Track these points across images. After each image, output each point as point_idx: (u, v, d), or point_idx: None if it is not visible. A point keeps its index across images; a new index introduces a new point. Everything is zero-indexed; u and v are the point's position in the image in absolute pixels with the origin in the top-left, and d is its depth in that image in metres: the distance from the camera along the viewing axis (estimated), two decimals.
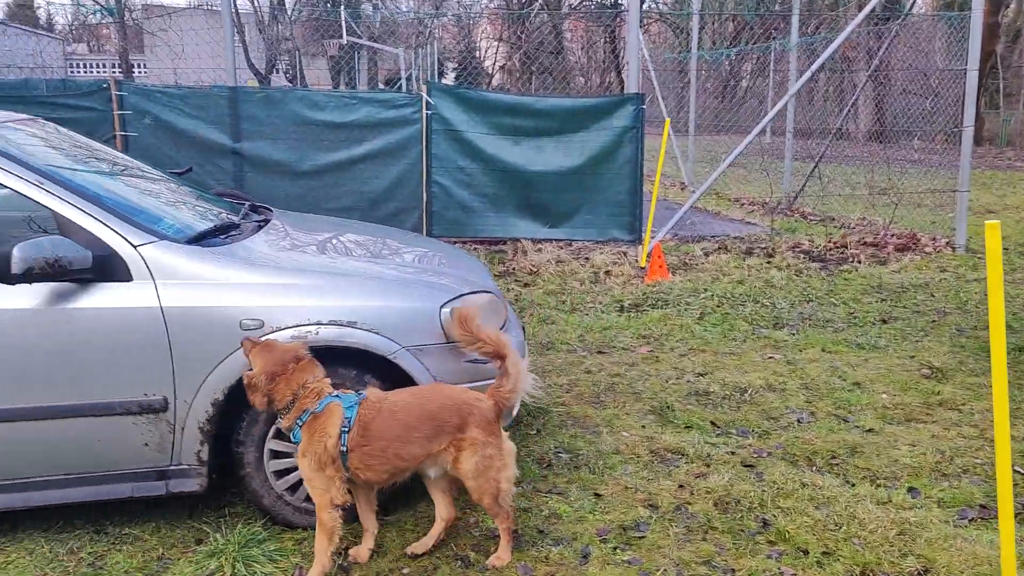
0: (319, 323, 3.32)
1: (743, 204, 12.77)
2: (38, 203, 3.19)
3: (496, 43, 41.64)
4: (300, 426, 3.07)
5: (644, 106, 8.35)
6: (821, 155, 11.18)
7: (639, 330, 6.22)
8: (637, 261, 8.28)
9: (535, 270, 7.92)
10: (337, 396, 3.11)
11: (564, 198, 8.45)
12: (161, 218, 3.53)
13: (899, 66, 12.38)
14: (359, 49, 30.73)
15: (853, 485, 3.80)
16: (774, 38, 17.05)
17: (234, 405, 3.33)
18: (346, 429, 3.04)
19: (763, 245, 9.05)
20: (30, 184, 3.20)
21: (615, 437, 4.33)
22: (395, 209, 8.13)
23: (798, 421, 4.56)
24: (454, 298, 3.57)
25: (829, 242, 9.20)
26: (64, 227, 3.18)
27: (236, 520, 3.49)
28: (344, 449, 3.03)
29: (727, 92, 25.13)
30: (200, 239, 3.52)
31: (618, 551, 3.31)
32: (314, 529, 3.29)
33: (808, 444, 4.24)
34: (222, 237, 3.67)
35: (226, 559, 3.18)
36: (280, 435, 3.38)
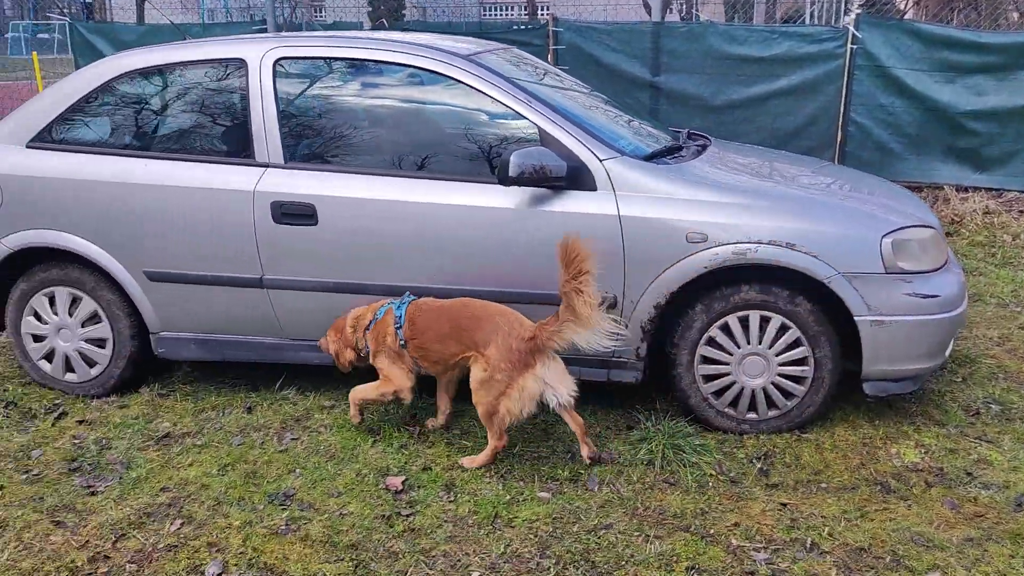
0: (759, 242, 3.50)
1: None
2: (524, 118, 3.73)
3: None
4: (366, 333, 3.62)
5: None
6: None
7: None
8: None
9: (958, 219, 7.32)
10: (391, 303, 3.60)
11: (1000, 143, 7.66)
12: (621, 136, 3.93)
13: None
14: None
15: None
16: None
17: (673, 310, 3.67)
18: (399, 326, 3.53)
19: None
20: (520, 102, 3.75)
21: None
22: (805, 148, 7.96)
23: None
24: (896, 229, 3.54)
25: None
26: (544, 140, 3.69)
27: (661, 414, 3.85)
28: (403, 342, 3.53)
29: None
30: (651, 158, 3.86)
31: None
32: (728, 432, 3.70)
33: None
34: (669, 158, 3.98)
35: (656, 444, 3.56)
36: (712, 343, 3.67)
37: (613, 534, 3.01)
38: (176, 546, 2.97)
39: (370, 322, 3.63)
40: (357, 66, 3.99)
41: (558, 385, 3.37)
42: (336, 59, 3.96)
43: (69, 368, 4.21)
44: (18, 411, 4.04)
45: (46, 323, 4.16)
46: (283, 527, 3.07)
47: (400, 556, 2.92)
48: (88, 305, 4.10)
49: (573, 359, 3.79)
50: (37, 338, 4.20)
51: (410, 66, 3.87)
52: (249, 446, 3.68)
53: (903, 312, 3.50)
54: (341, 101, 4.00)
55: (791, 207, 3.62)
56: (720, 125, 8.07)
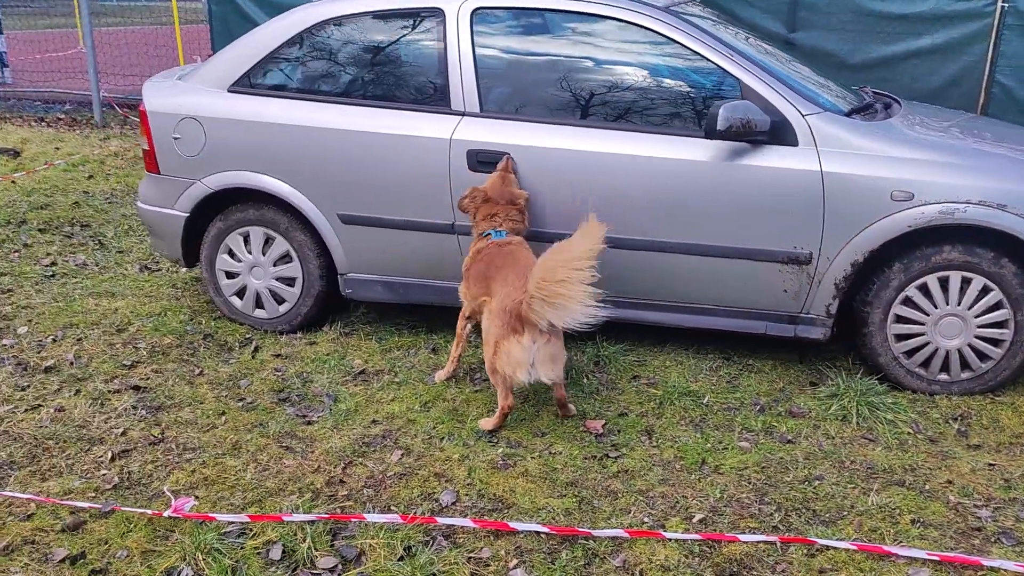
0: (968, 202, 3.46)
1: None
2: (725, 71, 3.73)
3: None
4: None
5: None
6: None
7: None
8: None
9: None
10: (491, 232, 3.65)
11: None
12: (819, 93, 3.90)
13: None
14: None
15: None
16: None
17: (869, 268, 3.66)
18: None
19: None
20: (720, 55, 3.75)
21: None
22: None
23: None
24: None
25: None
26: (746, 94, 3.68)
27: (847, 372, 3.87)
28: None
29: None
30: (850, 114, 3.83)
31: None
32: (916, 391, 3.75)
33: None
34: (865, 115, 3.94)
35: (849, 401, 3.59)
36: (908, 303, 3.66)
37: (827, 485, 3.06)
38: (404, 475, 3.13)
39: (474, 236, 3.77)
40: (553, 16, 4.01)
41: (539, 364, 3.26)
42: (533, 9, 4.00)
43: (259, 304, 4.41)
44: (215, 343, 4.26)
45: (240, 261, 4.35)
46: (501, 462, 3.21)
47: (619, 495, 3.02)
48: (281, 245, 4.27)
49: (758, 313, 3.84)
50: (230, 275, 4.40)
51: (608, 17, 3.88)
52: (445, 385, 3.82)
53: None
54: (536, 51, 4.04)
55: (1002, 167, 3.57)
56: (855, 84, 7.86)
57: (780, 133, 3.62)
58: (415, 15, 4.07)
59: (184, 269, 5.11)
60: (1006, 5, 7.40)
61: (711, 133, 3.55)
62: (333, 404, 3.65)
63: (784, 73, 3.87)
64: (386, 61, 4.14)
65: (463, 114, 3.94)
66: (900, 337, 3.71)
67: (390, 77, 4.12)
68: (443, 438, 3.38)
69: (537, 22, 4.03)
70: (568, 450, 3.30)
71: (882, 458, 3.24)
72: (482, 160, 3.87)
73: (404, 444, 3.34)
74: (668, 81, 3.89)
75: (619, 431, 3.45)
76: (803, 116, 3.63)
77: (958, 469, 3.17)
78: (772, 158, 3.64)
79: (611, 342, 4.15)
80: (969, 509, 2.92)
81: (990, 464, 3.20)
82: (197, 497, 2.99)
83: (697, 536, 2.77)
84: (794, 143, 3.62)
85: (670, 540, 2.76)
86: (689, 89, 3.84)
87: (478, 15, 3.96)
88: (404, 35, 4.10)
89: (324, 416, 3.55)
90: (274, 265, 4.31)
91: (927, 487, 3.05)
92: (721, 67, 3.73)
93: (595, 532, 2.79)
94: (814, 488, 3.04)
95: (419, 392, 3.75)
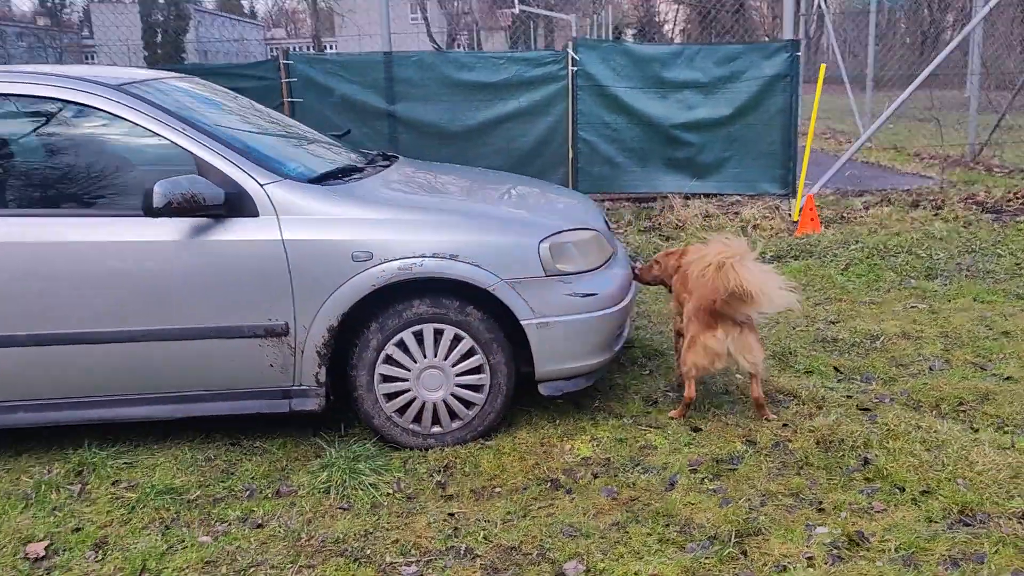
0: (423, 256, 3.52)
1: (923, 158, 11.91)
2: (180, 147, 3.57)
3: (676, 6, 40.63)
4: None
5: (799, 53, 8.00)
6: (1010, 103, 10.22)
7: None
8: (790, 215, 7.99)
9: (680, 224, 7.83)
10: None
11: (711, 151, 8.27)
12: (286, 161, 3.85)
13: None
14: (534, 19, 30.84)
15: (976, 430, 3.59)
16: None
17: (348, 332, 3.62)
18: None
19: (932, 197, 8.45)
20: (174, 130, 3.59)
21: (727, 379, 4.29)
22: (541, 166, 8.23)
23: (930, 368, 4.33)
24: (553, 234, 3.68)
25: (1009, 192, 8.44)
26: (201, 168, 3.55)
27: (351, 439, 3.78)
28: None
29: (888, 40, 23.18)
30: (321, 180, 3.81)
31: (706, 481, 3.32)
32: (415, 448, 3.70)
33: (936, 390, 4.02)
34: (341, 179, 3.95)
35: (336, 470, 3.48)
36: (389, 360, 3.64)
37: (264, 570, 2.88)
38: None
39: None
40: None
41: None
42: None
43: None
44: None
45: None
46: None
47: None
48: None
49: (252, 392, 3.67)
50: None
51: (50, 98, 3.61)
52: None
53: (565, 312, 3.63)
54: None
55: (453, 220, 3.68)
56: (460, 151, 8.17)
57: (238, 205, 3.51)
58: None
59: None
60: (576, 69, 8.05)
61: (149, 211, 3.35)
62: None
63: (249, 144, 3.78)
64: None
65: None
66: (389, 396, 3.68)
67: None
68: None
69: None
70: None
71: (344, 527, 3.12)
72: None
73: None
74: (120, 161, 3.68)
75: (66, 550, 3.07)
76: (262, 186, 3.54)
77: (414, 526, 3.11)
78: (233, 231, 3.51)
79: (104, 446, 3.79)
80: (398, 568, 2.85)
81: (451, 514, 3.19)
82: None
83: None
84: (255, 214, 3.52)
85: None
86: (142, 167, 3.65)
87: None
88: None
89: None
90: None
91: (368, 552, 2.95)
92: (174, 142, 3.57)
93: None
94: None
95: None
